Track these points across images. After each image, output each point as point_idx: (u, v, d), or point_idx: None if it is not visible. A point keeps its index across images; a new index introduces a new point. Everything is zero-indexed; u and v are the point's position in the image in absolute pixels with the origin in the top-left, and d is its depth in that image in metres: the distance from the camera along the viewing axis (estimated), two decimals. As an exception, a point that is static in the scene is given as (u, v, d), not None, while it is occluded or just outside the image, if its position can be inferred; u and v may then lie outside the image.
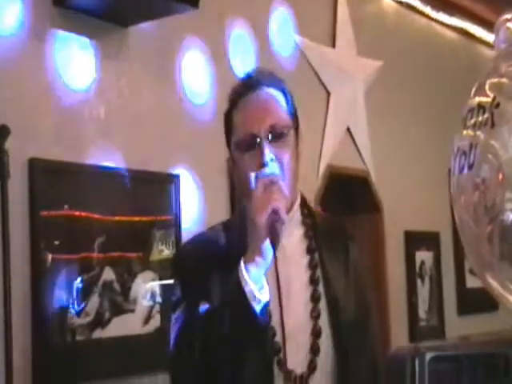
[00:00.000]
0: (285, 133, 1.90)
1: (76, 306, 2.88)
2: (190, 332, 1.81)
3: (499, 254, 1.15)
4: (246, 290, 1.73)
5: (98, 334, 2.96)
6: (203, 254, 1.92)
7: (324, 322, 1.90)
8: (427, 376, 0.99)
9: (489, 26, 5.18)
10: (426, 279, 5.21)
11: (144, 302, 3.17)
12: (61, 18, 2.98)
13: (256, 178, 1.81)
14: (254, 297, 1.74)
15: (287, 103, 1.96)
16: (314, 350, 1.87)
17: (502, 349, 1.08)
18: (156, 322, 3.20)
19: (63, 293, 2.85)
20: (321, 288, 1.92)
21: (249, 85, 1.96)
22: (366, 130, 4.73)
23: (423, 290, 5.16)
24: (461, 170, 1.19)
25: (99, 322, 2.97)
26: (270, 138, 1.87)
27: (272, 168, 1.84)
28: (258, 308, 1.74)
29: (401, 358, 1.02)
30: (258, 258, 1.76)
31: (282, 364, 1.83)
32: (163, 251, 3.26)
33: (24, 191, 2.79)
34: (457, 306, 5.53)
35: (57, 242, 2.85)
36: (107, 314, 3.00)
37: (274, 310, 1.80)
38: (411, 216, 5.07)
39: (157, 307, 3.21)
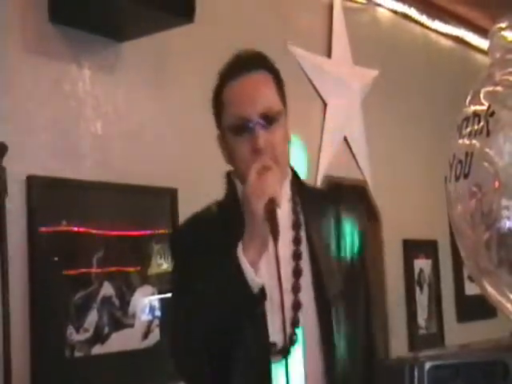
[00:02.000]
0: (276, 118, 1.92)
1: (75, 322, 2.87)
2: (189, 315, 1.83)
3: (497, 260, 1.15)
4: (246, 273, 1.76)
5: (98, 349, 2.94)
6: (199, 235, 1.94)
7: (308, 296, 1.92)
8: (427, 385, 0.99)
9: (484, 33, 5.19)
10: (425, 287, 5.21)
11: (143, 317, 3.16)
12: (56, 34, 2.98)
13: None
14: (253, 280, 1.77)
15: (277, 86, 1.98)
16: (294, 322, 1.89)
17: (501, 356, 1.08)
18: (155, 336, 3.19)
19: (62, 309, 2.84)
20: (305, 263, 1.94)
21: (239, 66, 1.98)
22: (363, 139, 4.74)
23: (422, 298, 5.16)
24: (457, 178, 1.19)
25: (98, 337, 2.95)
26: (262, 122, 1.88)
27: (265, 153, 1.86)
28: (256, 291, 1.77)
29: (400, 367, 1.01)
30: (256, 245, 1.79)
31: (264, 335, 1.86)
32: (162, 265, 3.25)
33: (22, 208, 2.79)
34: (456, 313, 5.53)
35: (55, 258, 2.84)
36: (106, 330, 2.99)
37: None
38: (409, 224, 5.07)
39: (156, 321, 3.20)
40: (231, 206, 1.97)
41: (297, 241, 1.96)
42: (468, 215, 1.20)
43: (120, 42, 3.21)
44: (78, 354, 2.87)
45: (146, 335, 3.16)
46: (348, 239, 2.03)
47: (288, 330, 1.86)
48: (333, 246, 1.99)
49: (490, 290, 1.26)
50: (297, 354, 1.89)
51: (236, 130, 1.91)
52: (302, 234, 1.97)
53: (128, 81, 3.26)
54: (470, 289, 5.34)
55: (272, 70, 2.00)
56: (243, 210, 1.84)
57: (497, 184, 1.15)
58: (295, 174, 2.06)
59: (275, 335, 1.87)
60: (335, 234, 2.01)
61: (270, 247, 1.84)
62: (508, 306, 1.25)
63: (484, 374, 0.99)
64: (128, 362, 3.06)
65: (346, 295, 1.96)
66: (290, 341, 1.88)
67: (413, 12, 5.26)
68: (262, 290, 1.80)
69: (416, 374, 0.93)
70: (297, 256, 1.95)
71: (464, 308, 5.50)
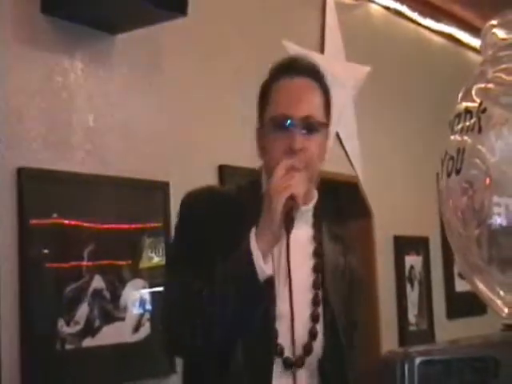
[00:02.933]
0: (317, 128, 1.92)
1: (66, 315, 2.87)
2: (191, 295, 1.82)
3: (487, 257, 1.15)
4: (254, 259, 1.76)
5: (88, 342, 2.94)
6: (215, 205, 1.94)
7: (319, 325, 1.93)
8: (417, 380, 0.99)
9: (476, 31, 5.21)
10: (416, 284, 5.22)
11: (134, 310, 3.16)
12: (49, 26, 2.97)
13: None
14: (261, 267, 1.77)
15: (325, 101, 1.98)
16: (308, 350, 1.90)
17: (491, 352, 1.09)
18: (146, 329, 3.19)
19: (53, 302, 2.83)
20: (320, 293, 1.95)
21: (294, 67, 1.97)
22: (355, 135, 4.74)
23: (413, 295, 5.17)
24: (449, 174, 1.19)
25: (89, 330, 2.95)
26: (302, 126, 1.89)
27: (299, 156, 1.86)
28: (262, 279, 1.77)
29: (390, 362, 1.02)
30: (268, 236, 1.79)
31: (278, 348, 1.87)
32: (153, 259, 3.25)
33: (13, 200, 2.78)
34: (446, 309, 5.54)
35: (46, 251, 2.83)
36: (97, 323, 2.99)
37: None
38: (400, 221, 5.08)
39: (147, 315, 3.20)
40: (252, 195, 1.96)
41: (317, 269, 1.97)
42: (459, 212, 1.20)
43: (113, 35, 3.20)
44: (68, 346, 2.87)
45: (136, 328, 3.16)
46: (352, 274, 2.07)
47: (300, 352, 1.89)
48: (340, 281, 2.02)
49: (481, 286, 1.26)
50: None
51: (277, 125, 1.91)
52: (321, 263, 1.98)
53: (121, 74, 3.26)
54: (460, 286, 5.36)
55: (324, 86, 2.00)
56: (264, 200, 1.84)
57: (488, 181, 1.15)
58: (318, 202, 2.05)
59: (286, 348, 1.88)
60: (342, 270, 2.04)
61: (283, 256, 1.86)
62: (498, 302, 1.26)
63: (474, 370, 0.99)
64: (118, 355, 3.06)
65: (347, 333, 1.99)
66: (301, 361, 1.89)
67: (405, 9, 5.27)
68: (269, 282, 1.80)
69: (406, 368, 0.94)
70: (317, 285, 1.96)
71: (454, 305, 5.52)
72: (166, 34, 3.39)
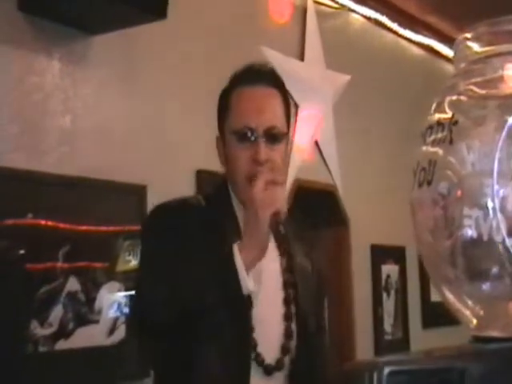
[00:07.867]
0: (280, 138, 1.92)
1: (39, 317, 2.86)
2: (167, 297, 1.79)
3: (457, 268, 1.15)
4: (240, 274, 1.74)
5: (62, 345, 2.94)
6: (183, 215, 1.91)
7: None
8: (384, 390, 1.00)
9: (453, 43, 5.26)
10: (392, 293, 5.24)
11: (109, 313, 3.15)
12: (26, 24, 2.96)
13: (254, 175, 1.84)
14: (245, 283, 1.75)
15: (286, 109, 1.98)
16: (285, 349, 1.91)
17: (458, 363, 1.09)
18: (121, 333, 3.19)
19: (26, 303, 2.82)
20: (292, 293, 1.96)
21: (253, 75, 1.96)
22: (333, 143, 4.76)
23: (389, 304, 5.20)
24: (420, 185, 1.20)
25: (63, 332, 2.94)
26: (266, 137, 1.89)
27: (265, 167, 1.86)
28: (245, 293, 1.76)
29: (358, 371, 1.03)
30: (255, 249, 1.78)
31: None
32: (130, 262, 3.25)
33: (-13, 200, 2.77)
34: (422, 319, 5.57)
35: (21, 251, 2.82)
36: (71, 325, 2.98)
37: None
38: (377, 230, 5.10)
39: (122, 318, 3.20)
40: (223, 205, 1.96)
41: (288, 269, 1.98)
42: (430, 223, 1.21)
43: (91, 36, 3.19)
44: (41, 348, 2.86)
45: (111, 332, 3.16)
46: (318, 274, 2.09)
47: (278, 354, 1.90)
48: (308, 279, 2.03)
49: (450, 297, 1.27)
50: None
51: (239, 137, 1.90)
52: (289, 263, 1.99)
53: (98, 74, 3.25)
54: (436, 295, 5.37)
55: (283, 91, 1.99)
56: (246, 215, 1.83)
57: (459, 193, 1.16)
58: None
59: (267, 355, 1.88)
60: (310, 270, 2.06)
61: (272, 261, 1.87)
62: (467, 313, 1.26)
63: (441, 381, 0.99)
64: (92, 358, 3.06)
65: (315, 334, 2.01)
66: (278, 365, 1.90)
67: (385, 19, 5.31)
68: (250, 297, 1.80)
69: (375, 378, 0.93)
70: (290, 284, 1.96)
71: (430, 314, 5.54)
72: (144, 36, 3.38)
